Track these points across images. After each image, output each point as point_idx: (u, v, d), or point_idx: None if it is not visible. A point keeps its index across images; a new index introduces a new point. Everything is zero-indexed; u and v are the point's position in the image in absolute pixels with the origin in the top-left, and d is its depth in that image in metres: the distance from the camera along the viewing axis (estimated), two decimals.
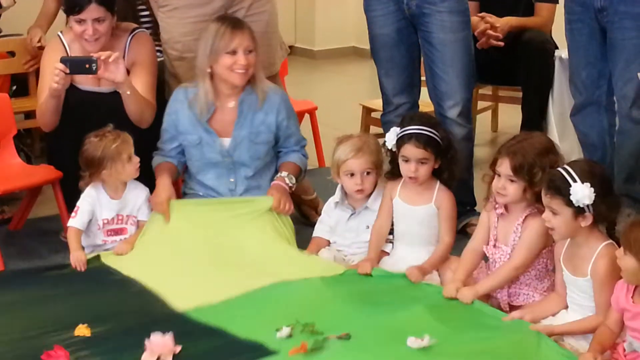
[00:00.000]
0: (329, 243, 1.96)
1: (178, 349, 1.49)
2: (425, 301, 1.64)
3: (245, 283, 1.74)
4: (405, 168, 1.78)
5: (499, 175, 1.62)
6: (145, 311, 1.71)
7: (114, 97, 2.03)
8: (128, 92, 2.01)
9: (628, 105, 1.96)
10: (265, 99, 2.05)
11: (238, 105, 2.04)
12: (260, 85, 2.06)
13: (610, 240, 1.47)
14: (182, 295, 1.73)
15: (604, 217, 1.48)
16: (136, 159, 1.94)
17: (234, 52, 1.95)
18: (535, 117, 2.77)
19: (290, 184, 2.03)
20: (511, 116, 3.04)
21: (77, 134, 1.96)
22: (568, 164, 1.52)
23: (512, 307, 1.65)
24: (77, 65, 1.97)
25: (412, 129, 1.78)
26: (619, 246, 1.38)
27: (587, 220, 1.45)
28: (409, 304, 1.64)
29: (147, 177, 2.05)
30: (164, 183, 2.01)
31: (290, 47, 4.36)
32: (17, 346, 1.57)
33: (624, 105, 1.98)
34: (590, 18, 2.09)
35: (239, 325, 1.63)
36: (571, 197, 1.42)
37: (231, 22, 2.01)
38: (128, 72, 2.08)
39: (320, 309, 1.64)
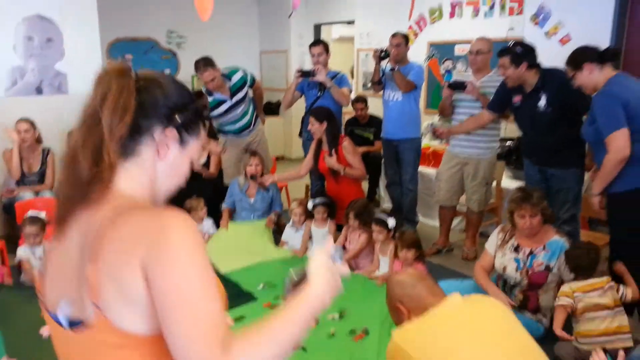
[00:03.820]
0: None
1: None
2: None
3: (250, 259, 4.00)
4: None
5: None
6: None
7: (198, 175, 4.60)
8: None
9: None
10: (269, 186, 4.50)
11: (257, 187, 4.51)
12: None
13: None
14: (225, 265, 3.83)
15: None
16: (204, 210, 4.37)
17: (251, 165, 4.45)
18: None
19: (274, 219, 4.51)
20: None
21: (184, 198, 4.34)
22: None
23: None
24: None
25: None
26: None
27: None
28: None
29: (215, 213, 4.50)
30: (225, 217, 4.48)
31: (282, 157, 7.60)
32: None
33: None
34: None
35: (242, 281, 3.65)
36: None
37: (253, 152, 4.58)
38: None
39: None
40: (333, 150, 4.17)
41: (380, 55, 4.35)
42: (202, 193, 4.40)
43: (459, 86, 3.87)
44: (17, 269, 3.75)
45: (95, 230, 0.88)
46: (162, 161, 0.99)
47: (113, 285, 0.85)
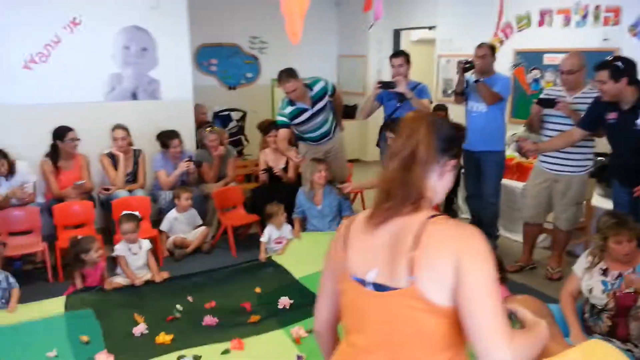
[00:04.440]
0: None
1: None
2: None
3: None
4: None
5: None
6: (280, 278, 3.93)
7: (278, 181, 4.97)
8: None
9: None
10: (333, 188, 4.56)
11: (324, 192, 4.55)
12: (331, 185, 4.42)
13: None
14: (298, 270, 3.95)
15: None
16: (284, 216, 4.50)
17: (319, 171, 4.39)
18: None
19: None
20: None
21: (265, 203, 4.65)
22: None
23: None
24: None
25: None
26: None
27: None
28: None
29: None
30: (297, 227, 4.57)
31: (357, 159, 7.65)
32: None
33: None
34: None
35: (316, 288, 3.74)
36: None
37: (319, 160, 4.61)
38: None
39: None
40: None
41: (465, 67, 4.27)
42: (282, 199, 4.54)
43: (549, 103, 3.73)
44: (112, 261, 4.04)
45: (415, 229, 1.21)
46: (442, 181, 1.32)
47: (428, 267, 1.17)
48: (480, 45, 4.29)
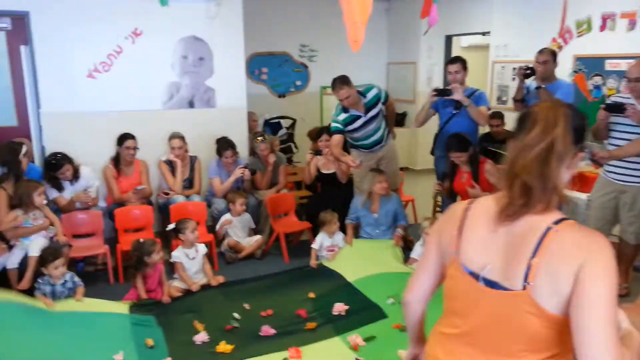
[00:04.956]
0: None
1: None
2: None
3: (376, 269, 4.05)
4: None
5: None
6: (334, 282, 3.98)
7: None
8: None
9: None
10: (391, 198, 4.54)
11: (380, 201, 4.51)
12: (389, 193, 4.40)
13: None
14: (351, 273, 4.02)
15: None
16: (337, 224, 4.51)
17: (380, 182, 4.42)
18: None
19: (402, 233, 4.50)
20: None
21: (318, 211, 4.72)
22: None
23: None
24: None
25: None
26: None
27: None
28: None
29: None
30: (349, 233, 4.56)
31: (406, 168, 7.42)
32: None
33: None
34: None
35: (370, 291, 3.71)
36: None
37: (379, 171, 4.59)
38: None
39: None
40: (476, 183, 4.14)
41: (525, 73, 4.16)
42: (337, 207, 4.54)
43: (617, 109, 3.57)
44: (169, 266, 4.12)
45: (540, 234, 1.20)
46: (569, 173, 1.27)
47: (547, 275, 1.17)
48: (542, 51, 4.18)
